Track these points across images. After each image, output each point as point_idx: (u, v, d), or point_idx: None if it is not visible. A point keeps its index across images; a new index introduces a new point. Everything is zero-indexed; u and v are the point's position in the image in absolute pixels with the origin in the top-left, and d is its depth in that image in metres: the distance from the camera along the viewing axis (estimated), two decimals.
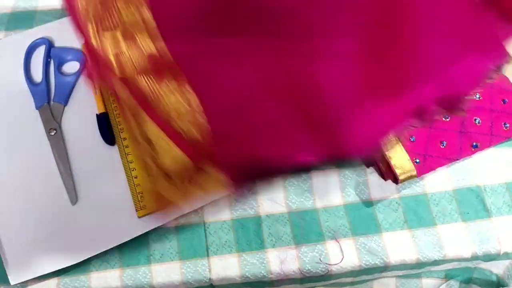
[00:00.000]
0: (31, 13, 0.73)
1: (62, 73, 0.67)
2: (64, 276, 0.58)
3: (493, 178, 0.65)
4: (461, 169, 0.65)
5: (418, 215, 0.62)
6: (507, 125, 0.66)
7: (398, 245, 0.61)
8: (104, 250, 0.58)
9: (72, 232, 0.59)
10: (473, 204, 0.63)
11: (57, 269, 0.57)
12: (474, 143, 0.65)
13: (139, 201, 0.60)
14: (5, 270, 0.57)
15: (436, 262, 0.61)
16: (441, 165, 0.63)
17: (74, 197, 0.60)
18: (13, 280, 0.56)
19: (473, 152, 0.65)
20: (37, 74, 0.67)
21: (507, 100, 0.68)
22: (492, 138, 0.65)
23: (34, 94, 0.65)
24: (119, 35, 0.56)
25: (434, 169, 0.63)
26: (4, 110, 0.65)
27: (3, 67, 0.67)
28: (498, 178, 0.65)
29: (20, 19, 0.72)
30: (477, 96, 0.68)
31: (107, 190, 0.61)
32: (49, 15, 0.73)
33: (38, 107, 0.65)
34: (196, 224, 0.61)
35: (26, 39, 0.69)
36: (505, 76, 0.70)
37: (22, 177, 0.61)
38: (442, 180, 0.64)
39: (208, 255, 0.59)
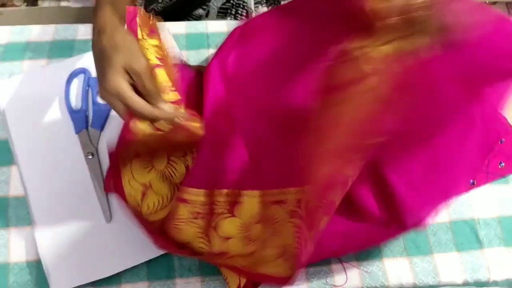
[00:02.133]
0: (70, 43, 0.80)
1: (99, 101, 0.74)
2: (98, 286, 0.65)
3: (486, 212, 0.71)
4: (457, 203, 0.71)
5: (417, 243, 0.69)
6: (503, 164, 0.72)
7: (397, 270, 0.67)
8: (135, 264, 0.65)
9: (106, 247, 0.66)
10: (467, 235, 0.70)
11: (92, 280, 0.64)
12: (472, 180, 0.71)
13: None
14: (47, 281, 0.64)
15: (431, 287, 0.68)
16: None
17: (108, 216, 0.67)
18: None
19: (471, 189, 0.71)
20: (77, 101, 0.74)
21: (504, 140, 0.73)
22: (488, 176, 0.72)
23: (73, 119, 0.72)
24: None
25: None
26: (46, 134, 0.72)
27: (46, 92, 0.74)
28: (491, 212, 0.71)
29: (60, 48, 0.79)
30: None
31: None
32: (87, 44, 0.80)
33: (77, 132, 0.72)
34: None
35: (66, 67, 0.76)
36: (504, 117, 0.76)
37: (61, 196, 0.68)
38: (439, 212, 0.70)
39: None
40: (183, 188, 0.63)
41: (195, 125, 0.62)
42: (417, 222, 0.62)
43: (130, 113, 0.56)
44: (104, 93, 0.55)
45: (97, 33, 0.58)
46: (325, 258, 0.65)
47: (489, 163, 0.72)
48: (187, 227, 0.61)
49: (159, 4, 0.93)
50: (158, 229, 0.64)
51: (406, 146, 0.63)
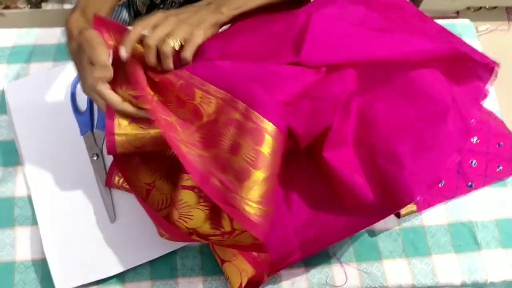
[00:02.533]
0: None
1: None
2: (102, 285, 0.66)
3: (484, 215, 0.72)
4: (456, 205, 0.73)
5: (415, 245, 0.70)
6: (501, 167, 0.73)
7: (396, 271, 0.68)
8: (138, 264, 0.66)
9: (110, 247, 0.67)
10: (465, 237, 0.71)
11: (96, 279, 0.65)
12: (470, 183, 0.72)
13: None
14: (52, 280, 0.65)
15: None
16: (439, 202, 0.71)
17: (113, 216, 0.69)
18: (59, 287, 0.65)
19: (468, 191, 0.72)
20: (82, 103, 0.75)
21: (502, 144, 0.75)
22: (486, 179, 0.73)
23: (79, 121, 0.73)
24: None
25: (433, 206, 0.70)
26: (52, 135, 0.73)
27: (52, 94, 0.76)
28: (489, 215, 0.72)
29: (66, 50, 0.80)
30: (475, 139, 0.75)
31: (142, 211, 0.68)
32: None
33: (82, 134, 0.73)
34: None
35: (72, 69, 0.76)
36: (502, 121, 0.77)
37: (67, 196, 0.70)
38: (438, 215, 0.72)
39: None
40: (184, 176, 0.64)
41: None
42: (412, 199, 0.62)
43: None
44: (85, 90, 0.61)
45: (68, 37, 0.63)
46: (326, 246, 0.66)
47: (487, 166, 0.73)
48: (196, 212, 0.62)
49: (161, 9, 0.94)
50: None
51: (392, 131, 0.65)
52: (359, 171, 0.65)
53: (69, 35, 0.63)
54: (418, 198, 0.62)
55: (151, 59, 0.61)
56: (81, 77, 0.61)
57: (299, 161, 0.69)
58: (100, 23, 0.63)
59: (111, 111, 0.62)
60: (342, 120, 0.65)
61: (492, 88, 0.81)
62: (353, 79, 0.65)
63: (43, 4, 1.56)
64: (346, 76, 0.64)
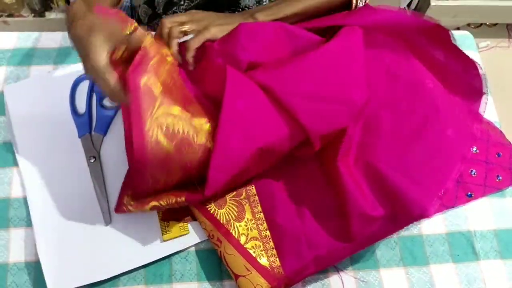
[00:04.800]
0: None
1: (103, 106, 0.75)
2: None
3: (483, 225, 0.72)
4: (454, 215, 0.72)
5: (413, 254, 0.69)
6: (500, 177, 0.73)
7: (393, 280, 0.68)
8: (132, 268, 0.65)
9: (104, 250, 0.67)
10: (463, 247, 0.70)
11: (90, 282, 0.65)
12: (469, 193, 0.72)
13: (165, 225, 0.67)
14: (45, 282, 0.64)
15: None
16: (438, 211, 0.70)
17: (108, 219, 0.68)
18: None
19: (468, 201, 0.72)
20: (81, 106, 0.75)
21: (501, 154, 0.75)
22: (485, 189, 0.72)
23: (77, 124, 0.73)
24: None
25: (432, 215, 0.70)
26: (50, 137, 0.73)
27: (51, 97, 0.76)
28: (488, 225, 0.72)
29: (67, 54, 0.81)
30: (474, 149, 0.75)
31: (137, 214, 0.68)
32: None
33: (80, 136, 0.73)
34: (215, 249, 0.68)
35: (72, 72, 0.77)
36: (501, 131, 0.77)
37: (62, 198, 0.69)
38: (436, 224, 0.71)
39: (222, 279, 0.67)
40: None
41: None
42: (423, 212, 0.63)
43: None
44: (88, 72, 0.58)
45: (70, 23, 0.61)
46: (340, 260, 0.67)
47: (487, 176, 0.73)
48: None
49: (181, 7, 0.94)
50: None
51: (397, 140, 0.67)
52: (364, 182, 0.65)
53: (71, 21, 0.60)
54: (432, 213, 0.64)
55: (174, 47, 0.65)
56: (84, 61, 0.57)
57: (312, 172, 0.69)
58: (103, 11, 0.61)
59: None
60: (353, 127, 0.67)
61: (491, 100, 0.81)
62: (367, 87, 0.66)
63: (46, 13, 1.58)
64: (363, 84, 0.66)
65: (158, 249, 0.67)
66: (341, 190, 0.65)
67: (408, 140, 0.67)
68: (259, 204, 0.68)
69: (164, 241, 0.67)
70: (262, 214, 0.67)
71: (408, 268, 0.68)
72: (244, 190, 0.68)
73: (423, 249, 0.70)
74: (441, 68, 0.71)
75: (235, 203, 0.67)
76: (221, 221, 0.66)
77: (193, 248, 0.68)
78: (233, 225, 0.66)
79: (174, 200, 0.62)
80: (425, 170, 0.65)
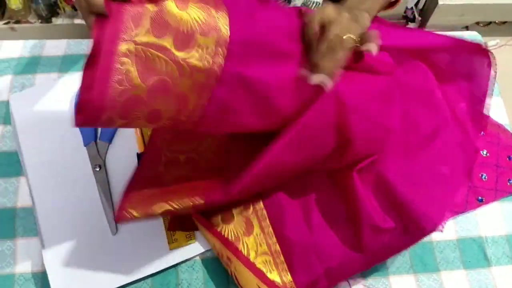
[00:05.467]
0: (82, 57, 0.81)
1: None
2: None
3: (494, 230, 0.70)
4: (465, 220, 0.71)
5: (424, 261, 0.68)
6: (511, 181, 0.71)
7: (403, 287, 0.66)
8: (139, 278, 0.65)
9: (111, 259, 0.66)
10: (474, 253, 0.69)
11: None
12: (480, 197, 0.70)
13: (171, 235, 0.67)
14: None
15: None
16: (448, 217, 0.69)
17: (114, 229, 0.68)
18: None
19: (479, 206, 0.70)
20: None
21: None
22: (496, 193, 0.71)
23: (82, 132, 0.73)
24: None
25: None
26: (55, 145, 0.73)
27: (56, 105, 0.75)
28: (500, 230, 0.70)
29: (72, 62, 0.81)
30: (485, 152, 0.73)
31: (143, 223, 0.68)
32: None
33: (85, 145, 0.72)
34: None
35: (77, 80, 0.76)
36: (511, 134, 0.76)
37: (68, 208, 0.69)
38: (447, 229, 0.70)
39: (229, 287, 0.66)
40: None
41: None
42: (434, 224, 0.62)
43: None
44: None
45: None
46: (352, 275, 0.66)
47: (497, 180, 0.72)
48: None
49: None
50: None
51: (406, 151, 0.65)
52: (372, 194, 0.65)
53: None
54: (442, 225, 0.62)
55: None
56: None
57: (321, 183, 0.68)
58: None
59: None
60: None
61: (501, 101, 0.80)
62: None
63: (53, 19, 1.58)
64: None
65: (165, 258, 0.66)
66: (353, 200, 0.64)
67: (417, 151, 0.65)
68: (267, 218, 0.67)
69: (171, 250, 0.66)
70: (270, 228, 0.66)
71: (418, 275, 0.67)
72: (251, 204, 0.67)
73: (433, 256, 0.68)
74: (448, 73, 0.69)
75: (243, 218, 0.66)
76: (230, 238, 0.65)
77: (200, 257, 0.68)
78: (242, 240, 0.65)
79: (190, 203, 0.58)
80: (433, 182, 0.64)
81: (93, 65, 0.44)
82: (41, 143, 0.73)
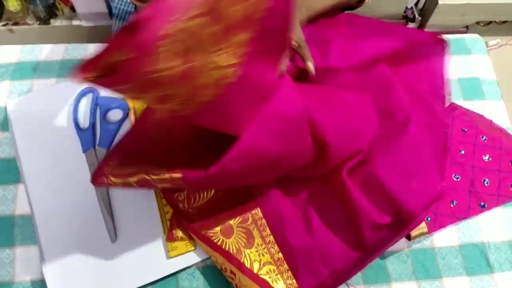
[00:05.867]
0: (79, 62, 0.80)
1: (107, 120, 0.74)
2: None
3: (497, 236, 0.70)
4: (467, 226, 0.70)
5: (426, 267, 0.68)
6: None
7: None
8: (139, 286, 0.64)
9: (110, 267, 0.66)
10: (477, 259, 0.68)
11: None
12: (482, 203, 0.70)
13: (171, 242, 0.66)
14: None
15: None
16: (450, 223, 0.68)
17: (113, 236, 0.67)
18: None
19: (481, 211, 0.70)
20: (85, 120, 0.74)
21: None
22: (499, 198, 0.70)
23: (81, 139, 0.72)
24: None
25: (444, 227, 0.68)
26: (54, 152, 0.72)
27: (54, 111, 0.75)
28: (502, 236, 0.70)
29: (70, 67, 0.80)
30: (487, 157, 0.73)
31: (143, 231, 0.67)
32: None
33: (84, 151, 0.72)
34: None
35: (75, 86, 0.76)
36: None
37: (67, 215, 0.68)
38: (449, 236, 0.69)
39: None
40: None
41: None
42: (422, 210, 0.64)
43: None
44: None
45: None
46: (356, 273, 0.66)
47: (500, 185, 0.71)
48: None
49: None
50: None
51: (386, 145, 0.67)
52: (361, 191, 0.65)
53: None
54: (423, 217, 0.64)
55: None
56: None
57: (316, 186, 0.69)
58: None
59: None
60: None
61: (502, 104, 0.79)
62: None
63: (51, 21, 1.57)
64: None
65: (164, 266, 0.66)
66: (349, 201, 0.64)
67: (396, 141, 0.67)
68: (267, 227, 0.66)
69: (170, 257, 0.66)
70: (271, 236, 0.66)
71: (420, 281, 0.67)
72: (250, 215, 0.67)
73: (435, 262, 0.68)
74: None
75: (243, 230, 0.66)
76: (231, 251, 0.64)
77: (199, 264, 0.67)
78: (244, 253, 0.65)
79: (167, 176, 0.55)
80: (416, 168, 0.66)
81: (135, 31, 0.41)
82: (40, 150, 0.72)
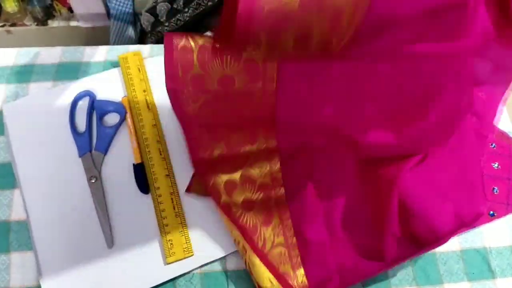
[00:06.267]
0: (76, 65, 0.80)
1: (103, 124, 0.73)
2: None
3: (499, 241, 0.69)
4: (469, 231, 0.69)
5: (426, 272, 0.67)
6: None
7: None
8: None
9: (107, 273, 0.65)
10: (478, 265, 0.67)
11: None
12: (491, 212, 0.69)
13: (168, 248, 0.66)
14: None
15: None
16: (460, 232, 0.67)
17: (110, 242, 0.66)
18: None
19: (490, 220, 0.69)
20: (81, 124, 0.73)
21: None
22: (508, 207, 0.69)
23: (77, 142, 0.71)
24: None
25: (454, 235, 0.66)
26: (50, 157, 0.71)
27: (50, 115, 0.74)
28: (504, 241, 0.69)
29: (67, 70, 0.79)
30: (496, 165, 0.72)
31: (140, 236, 0.67)
32: (93, 67, 0.80)
33: (80, 155, 0.71)
34: (219, 272, 0.66)
35: (72, 89, 0.76)
36: None
37: (63, 221, 0.67)
38: (450, 241, 0.68)
39: None
40: None
41: None
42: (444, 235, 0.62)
43: None
44: None
45: None
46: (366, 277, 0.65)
47: (509, 194, 0.70)
48: None
49: (185, 14, 0.92)
50: None
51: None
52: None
53: None
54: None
55: None
56: None
57: (352, 179, 0.67)
58: None
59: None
60: None
61: (504, 110, 0.78)
62: None
63: (49, 22, 1.57)
64: None
65: (162, 272, 0.65)
66: (384, 205, 0.63)
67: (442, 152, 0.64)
68: (288, 211, 0.66)
69: (168, 263, 0.65)
70: (290, 220, 0.65)
71: (421, 287, 0.66)
72: (273, 192, 0.66)
73: (436, 268, 0.67)
74: None
75: (263, 206, 0.65)
76: (248, 226, 0.64)
77: (198, 271, 0.66)
78: (260, 230, 0.64)
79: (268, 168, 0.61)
80: (455, 189, 0.64)
81: None
82: (35, 154, 0.71)
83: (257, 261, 0.62)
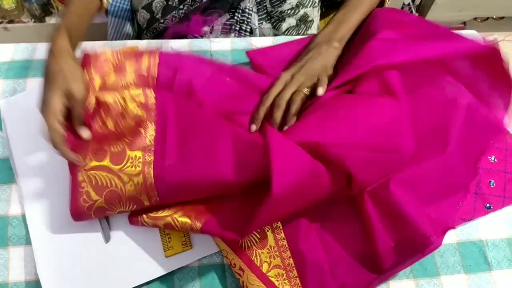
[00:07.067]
0: None
1: None
2: None
3: (495, 234, 0.69)
4: (465, 224, 0.70)
5: (423, 265, 0.67)
6: None
7: None
8: (135, 285, 0.64)
9: (105, 268, 0.65)
10: (475, 257, 0.68)
11: None
12: (488, 205, 0.69)
13: (167, 242, 0.66)
14: None
15: None
16: (457, 224, 0.68)
17: (108, 236, 0.66)
18: None
19: (487, 213, 0.69)
20: None
21: None
22: (505, 200, 0.70)
23: None
24: None
25: (451, 229, 0.67)
26: (47, 152, 0.71)
27: None
28: (500, 233, 0.69)
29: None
30: (493, 158, 0.72)
31: (138, 231, 0.67)
32: None
33: None
34: (218, 264, 0.66)
35: None
36: None
37: (61, 216, 0.67)
38: (447, 233, 0.69)
39: None
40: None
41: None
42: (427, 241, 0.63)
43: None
44: (42, 110, 0.62)
45: (48, 55, 0.64)
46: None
47: (506, 187, 0.70)
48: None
49: (181, 11, 0.92)
50: None
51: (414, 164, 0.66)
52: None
53: (50, 54, 0.64)
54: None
55: (279, 118, 0.68)
56: (44, 97, 0.62)
57: (337, 201, 0.68)
58: (87, 60, 0.67)
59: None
60: None
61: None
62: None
63: (46, 18, 1.57)
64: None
65: (160, 265, 0.65)
66: (367, 221, 0.64)
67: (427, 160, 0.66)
68: (282, 231, 0.66)
69: (167, 257, 0.65)
70: (285, 241, 0.66)
71: (418, 280, 0.66)
72: None
73: (433, 260, 0.67)
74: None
75: (258, 230, 0.65)
76: (243, 247, 0.64)
77: (196, 264, 0.66)
78: (255, 252, 0.64)
79: (189, 224, 0.62)
80: (441, 194, 0.65)
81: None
82: (33, 150, 0.71)
83: (256, 280, 0.63)
